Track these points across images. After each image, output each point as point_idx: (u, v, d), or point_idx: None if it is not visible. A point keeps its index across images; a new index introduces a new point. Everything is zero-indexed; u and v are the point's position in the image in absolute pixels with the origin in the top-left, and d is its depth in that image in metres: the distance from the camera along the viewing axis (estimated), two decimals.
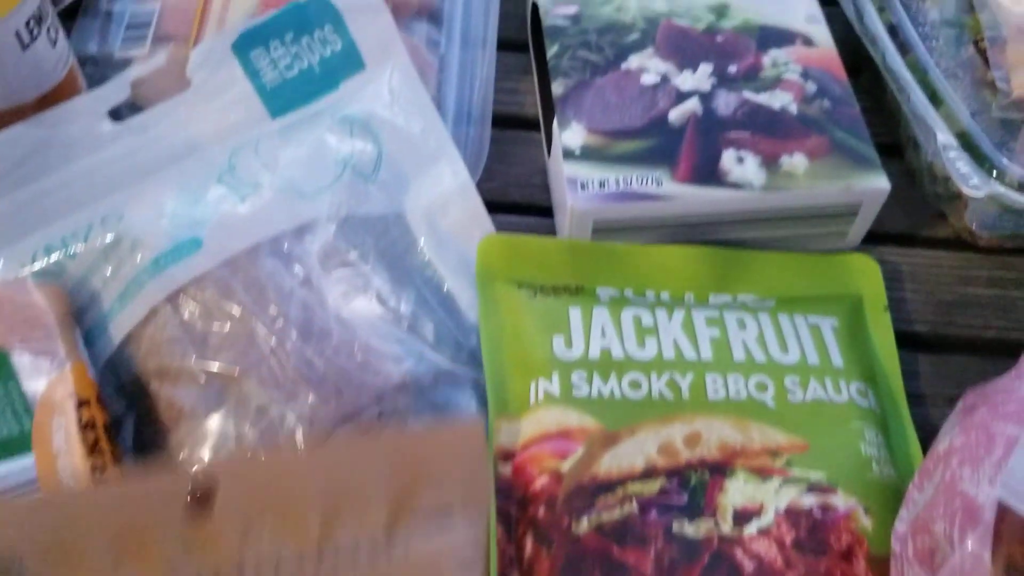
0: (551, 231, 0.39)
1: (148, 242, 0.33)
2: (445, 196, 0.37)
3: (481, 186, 0.39)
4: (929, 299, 0.38)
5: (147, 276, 0.32)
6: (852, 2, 0.42)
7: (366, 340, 0.32)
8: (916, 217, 0.41)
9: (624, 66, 0.39)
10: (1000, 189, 0.36)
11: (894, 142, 0.42)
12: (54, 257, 0.33)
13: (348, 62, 0.39)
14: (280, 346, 0.31)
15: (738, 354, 0.33)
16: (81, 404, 0.30)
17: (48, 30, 0.35)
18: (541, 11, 0.41)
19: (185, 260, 0.32)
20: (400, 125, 0.38)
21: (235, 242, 0.33)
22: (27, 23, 0.34)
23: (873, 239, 0.39)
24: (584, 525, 0.29)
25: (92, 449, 0.29)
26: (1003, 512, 0.25)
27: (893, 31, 0.41)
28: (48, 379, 0.30)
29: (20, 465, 0.28)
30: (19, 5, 0.33)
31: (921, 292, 0.38)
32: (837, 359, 0.34)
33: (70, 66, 0.37)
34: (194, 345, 0.31)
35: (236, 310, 0.32)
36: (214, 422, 0.30)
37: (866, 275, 0.37)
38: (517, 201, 0.40)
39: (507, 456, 0.31)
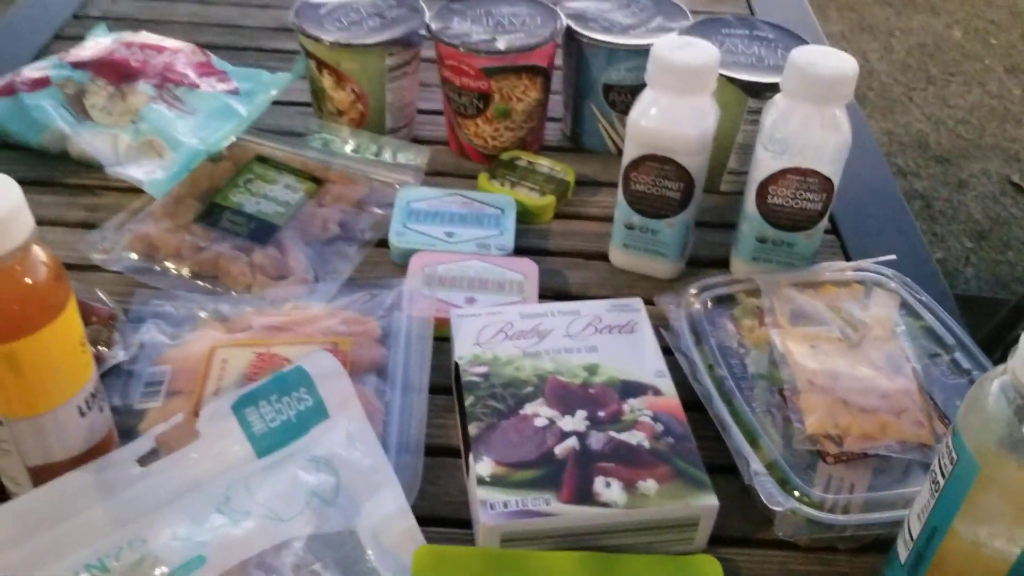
0: (471, 539, 0.51)
1: (164, 559, 0.44)
2: (388, 517, 0.49)
3: (416, 504, 0.51)
4: None
5: None
6: (687, 361, 0.57)
7: None
8: (752, 522, 0.53)
9: (522, 412, 0.53)
10: (799, 506, 0.49)
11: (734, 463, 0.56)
12: (93, 573, 0.44)
13: (316, 413, 0.52)
14: None
15: None
16: None
17: (99, 403, 0.48)
18: (461, 369, 0.56)
19: (193, 574, 0.43)
20: (354, 461, 0.51)
21: (230, 558, 0.44)
22: (86, 400, 0.47)
23: (716, 541, 0.52)
24: None
25: None
26: None
27: (720, 382, 0.56)
28: None
29: None
30: (83, 387, 0.46)
31: None
32: None
33: (110, 426, 0.49)
34: None
35: None
36: None
37: (710, 573, 0.49)
38: (444, 515, 0.52)
39: None
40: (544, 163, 0.77)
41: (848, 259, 0.72)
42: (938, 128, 1.99)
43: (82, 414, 0.47)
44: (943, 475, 0.40)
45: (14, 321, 0.43)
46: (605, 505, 0.48)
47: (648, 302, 0.63)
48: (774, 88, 0.63)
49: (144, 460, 0.49)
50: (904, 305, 0.61)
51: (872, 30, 2.36)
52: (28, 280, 0.43)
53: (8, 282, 0.42)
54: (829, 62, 0.59)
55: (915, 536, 0.43)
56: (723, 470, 0.54)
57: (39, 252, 0.44)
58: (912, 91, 2.12)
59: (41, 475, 0.47)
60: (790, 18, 1.03)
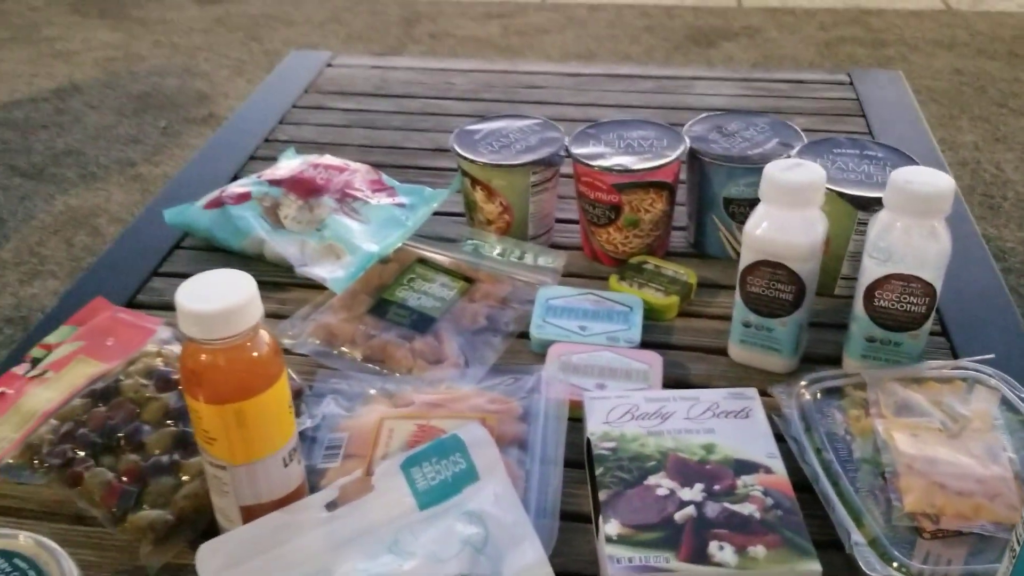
0: None
1: None
2: (528, 567, 0.57)
3: (551, 561, 0.58)
4: None
5: None
6: (797, 445, 0.64)
7: None
8: None
9: (646, 483, 0.60)
10: (896, 574, 0.54)
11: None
12: None
13: (468, 475, 0.61)
14: None
15: None
16: None
17: (297, 457, 0.59)
18: (592, 444, 0.64)
19: None
20: (500, 517, 0.59)
21: None
22: (289, 453, 0.58)
23: None
24: None
25: None
26: None
27: (827, 465, 0.62)
28: None
29: None
30: (287, 442, 0.57)
31: None
32: None
33: (303, 477, 0.60)
34: None
35: None
36: None
37: None
38: (575, 572, 0.60)
39: None
40: (669, 267, 0.86)
41: (955, 358, 0.76)
42: None
43: (285, 464, 0.58)
44: (1019, 543, 0.46)
45: (244, 385, 0.54)
46: (719, 565, 0.55)
47: (764, 393, 0.69)
48: (880, 202, 0.70)
49: (330, 507, 0.59)
50: (1004, 401, 0.66)
51: (1006, 140, 2.37)
52: (255, 354, 0.55)
53: (241, 355, 0.54)
54: (926, 180, 0.66)
55: None
56: (828, 545, 0.59)
57: (264, 334, 0.56)
58: None
59: (250, 514, 0.58)
60: (907, 135, 1.09)
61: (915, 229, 0.67)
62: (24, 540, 0.57)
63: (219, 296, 0.53)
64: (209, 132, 2.56)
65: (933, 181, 0.67)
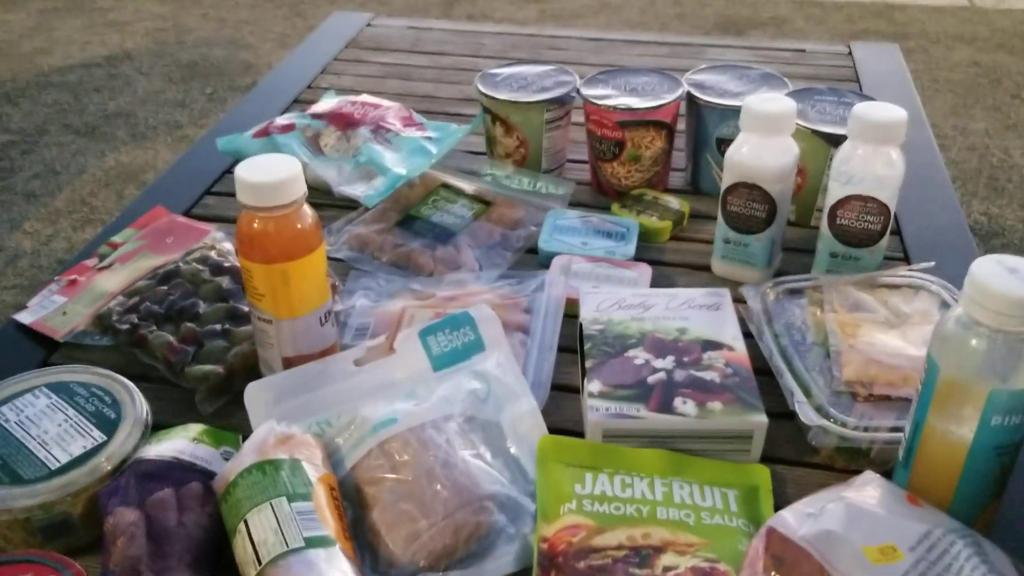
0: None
1: (369, 419, 0.65)
2: (523, 414, 0.68)
3: (544, 419, 0.69)
4: (801, 494, 0.65)
5: (368, 435, 0.63)
6: (756, 329, 0.74)
7: (476, 473, 0.62)
8: (801, 452, 0.69)
9: (625, 355, 0.71)
10: (829, 424, 0.64)
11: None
12: (322, 427, 0.65)
13: (476, 345, 0.72)
14: (431, 470, 0.61)
15: (676, 499, 0.61)
16: (332, 489, 0.59)
17: (331, 318, 0.70)
18: (584, 327, 0.74)
19: (388, 427, 0.63)
20: (501, 378, 0.70)
21: (413, 420, 0.64)
22: (325, 314, 0.69)
23: (768, 460, 0.67)
24: (582, 565, 0.56)
25: (338, 512, 0.58)
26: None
27: (782, 348, 0.72)
28: (317, 475, 0.60)
29: (306, 506, 0.57)
30: (324, 304, 0.68)
31: (796, 490, 0.66)
32: (733, 507, 0.61)
33: (336, 338, 0.71)
34: (389, 467, 0.61)
35: (411, 452, 0.62)
36: (397, 506, 0.60)
37: (761, 475, 0.65)
38: (562, 428, 0.71)
39: (544, 539, 0.59)
40: (666, 198, 0.97)
41: None
42: None
43: (321, 324, 0.69)
44: (921, 383, 0.56)
45: (289, 249, 0.65)
46: (681, 415, 0.65)
47: (738, 300, 0.80)
48: None
49: (358, 362, 0.70)
50: (943, 303, 0.76)
51: (1016, 128, 2.44)
52: (299, 225, 0.66)
53: (288, 222, 0.65)
54: (883, 111, 0.76)
55: (906, 435, 0.58)
56: (779, 416, 0.70)
57: (307, 208, 0.67)
58: None
59: (289, 364, 0.69)
60: (895, 97, 1.19)
61: (873, 155, 0.77)
62: (100, 374, 0.69)
63: (271, 172, 0.64)
64: (251, 78, 2.68)
65: (889, 112, 0.76)
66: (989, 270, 0.50)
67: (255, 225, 0.65)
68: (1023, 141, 2.38)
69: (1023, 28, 3.06)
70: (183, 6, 3.37)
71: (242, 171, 0.64)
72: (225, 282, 0.80)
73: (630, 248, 0.89)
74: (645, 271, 0.86)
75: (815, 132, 0.88)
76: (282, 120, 1.06)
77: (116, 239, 0.92)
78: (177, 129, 2.52)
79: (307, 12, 3.32)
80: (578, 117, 1.03)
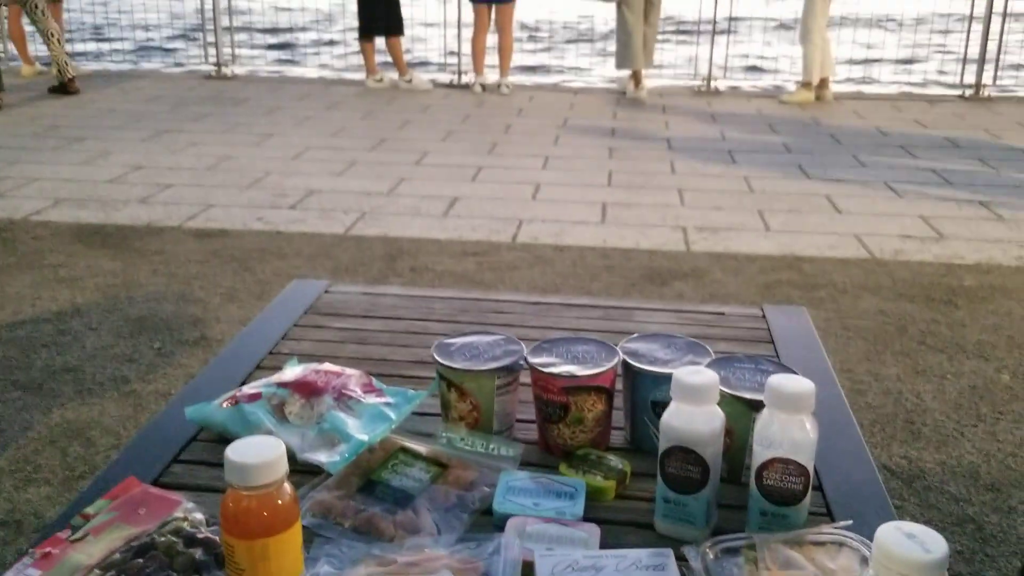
0: None
1: None
2: None
3: None
4: None
5: None
6: None
7: None
8: None
9: None
10: None
11: None
12: None
13: None
14: None
15: None
16: None
17: None
18: None
19: None
20: None
21: None
22: None
23: None
24: None
25: None
26: None
27: None
28: None
29: None
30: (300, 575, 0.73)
31: None
32: None
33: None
34: None
35: None
36: None
37: None
38: None
39: None
40: (610, 457, 1.05)
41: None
42: (988, 460, 2.18)
43: None
44: None
45: (269, 525, 0.71)
46: None
47: (681, 558, 0.86)
48: None
49: None
50: (864, 559, 0.84)
51: (925, 373, 2.63)
52: (279, 501, 0.72)
53: (269, 500, 0.71)
54: (792, 384, 0.87)
55: None
56: None
57: (287, 485, 0.73)
58: (963, 427, 2.34)
59: None
60: (806, 357, 1.32)
61: (788, 422, 0.87)
62: None
63: (256, 454, 0.71)
64: (201, 353, 2.76)
65: (799, 384, 0.88)
66: (891, 538, 0.59)
67: (241, 502, 0.71)
68: (932, 386, 2.56)
69: (921, 278, 3.37)
70: (133, 262, 3.51)
71: (232, 453, 0.71)
72: (199, 553, 0.84)
73: (578, 508, 0.96)
74: (594, 531, 0.92)
75: (736, 398, 0.99)
76: (249, 389, 1.13)
77: (89, 510, 0.95)
78: (124, 384, 2.56)
79: (255, 267, 3.48)
80: (525, 379, 1.12)
